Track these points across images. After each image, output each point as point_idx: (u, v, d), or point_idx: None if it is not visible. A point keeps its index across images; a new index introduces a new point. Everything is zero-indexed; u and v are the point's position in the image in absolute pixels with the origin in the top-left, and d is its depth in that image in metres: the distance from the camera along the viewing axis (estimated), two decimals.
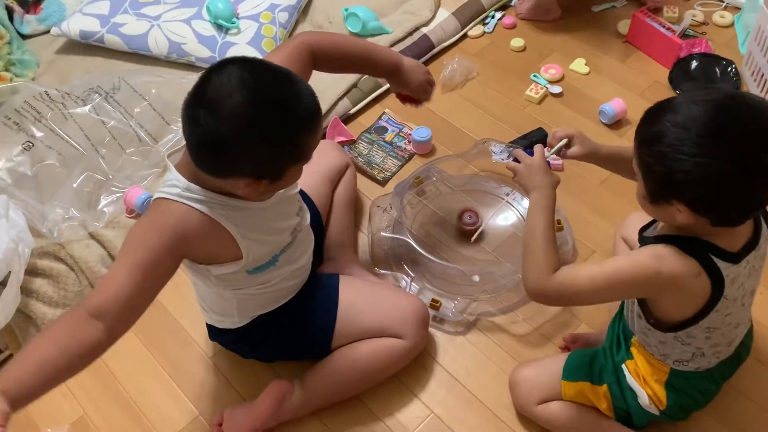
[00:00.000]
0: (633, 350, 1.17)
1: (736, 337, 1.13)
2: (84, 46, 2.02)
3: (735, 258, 0.99)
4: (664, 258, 0.98)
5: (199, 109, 0.94)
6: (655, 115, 0.95)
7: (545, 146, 1.72)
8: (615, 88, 1.89)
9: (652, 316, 1.08)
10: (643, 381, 1.15)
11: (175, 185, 1.04)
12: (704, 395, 1.18)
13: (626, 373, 1.18)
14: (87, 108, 1.71)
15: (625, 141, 1.77)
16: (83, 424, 1.39)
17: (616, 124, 1.81)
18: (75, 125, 1.68)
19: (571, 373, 1.22)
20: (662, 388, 1.14)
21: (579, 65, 1.96)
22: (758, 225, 1.03)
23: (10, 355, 1.47)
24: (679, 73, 1.90)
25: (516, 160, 1.26)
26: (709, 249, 0.98)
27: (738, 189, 0.90)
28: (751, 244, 1.00)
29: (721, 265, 0.98)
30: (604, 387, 1.19)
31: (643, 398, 1.15)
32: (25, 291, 1.48)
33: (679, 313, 1.04)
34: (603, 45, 2.02)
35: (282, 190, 1.15)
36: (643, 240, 1.07)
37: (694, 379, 1.14)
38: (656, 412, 1.16)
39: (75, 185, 1.64)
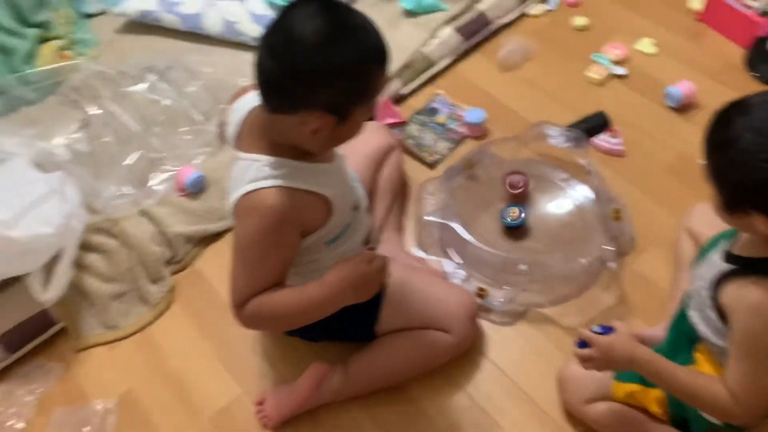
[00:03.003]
0: (698, 355, 1.09)
1: None
2: (142, 25, 2.05)
3: None
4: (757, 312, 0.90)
5: (278, 36, 0.98)
6: (726, 117, 0.89)
7: (605, 131, 1.65)
8: (684, 70, 1.78)
9: None
10: None
11: (261, 169, 1.06)
12: None
13: None
14: (142, 87, 1.73)
15: (691, 126, 1.66)
16: (129, 397, 1.41)
17: (683, 107, 1.70)
18: (130, 104, 1.71)
19: (622, 373, 1.15)
20: None
21: (645, 45, 1.85)
22: None
23: (65, 327, 1.51)
24: (756, 54, 1.77)
25: (583, 344, 1.07)
26: None
27: None
28: None
29: None
30: (658, 391, 1.12)
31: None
32: (79, 265, 1.52)
33: None
34: (672, 23, 1.90)
35: (341, 152, 1.19)
36: (729, 258, 0.99)
37: None
38: (719, 423, 1.08)
39: (129, 163, 1.66)
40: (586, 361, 1.06)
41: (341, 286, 1.05)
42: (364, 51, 0.99)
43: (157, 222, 1.60)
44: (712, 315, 1.01)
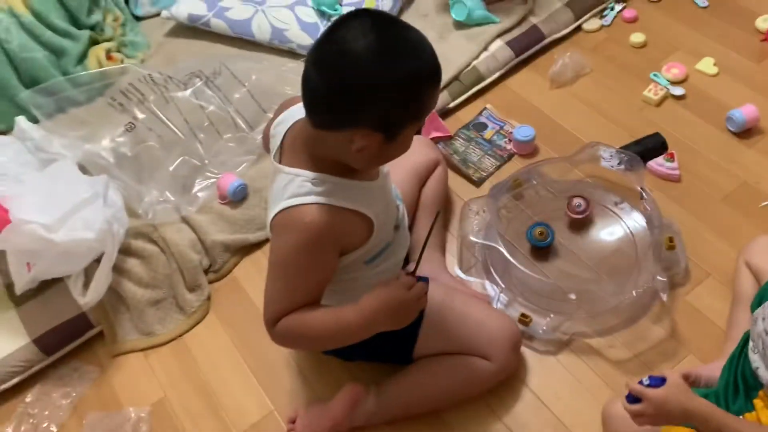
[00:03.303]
0: (757, 402, 1.02)
1: None
2: (191, 29, 2.05)
3: None
4: None
5: (328, 50, 0.95)
6: None
7: (661, 154, 1.57)
8: (747, 93, 1.69)
9: None
10: None
11: (302, 184, 1.03)
12: None
13: None
14: (188, 92, 1.73)
15: (754, 153, 1.58)
16: (162, 406, 1.40)
17: (745, 132, 1.61)
18: (175, 109, 1.70)
19: None
20: None
21: (706, 65, 1.77)
22: None
23: (101, 331, 1.51)
24: None
25: (633, 399, 0.99)
26: None
27: None
28: None
29: None
30: None
31: None
32: (118, 270, 1.52)
33: None
34: (736, 43, 1.81)
35: (386, 169, 1.15)
36: None
37: None
38: None
39: (171, 168, 1.66)
40: (638, 417, 0.99)
41: (378, 312, 1.02)
42: (417, 69, 0.95)
43: (197, 229, 1.60)
44: None
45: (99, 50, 1.93)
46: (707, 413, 0.95)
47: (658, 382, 0.97)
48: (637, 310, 1.36)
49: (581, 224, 1.47)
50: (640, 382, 0.99)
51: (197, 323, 1.52)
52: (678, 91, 1.72)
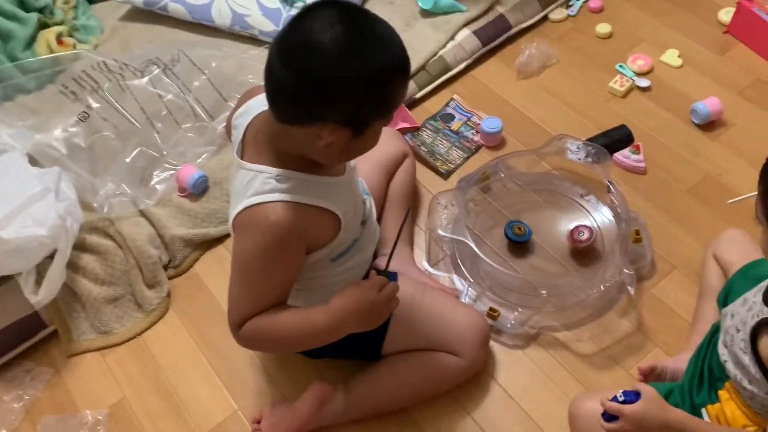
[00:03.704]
0: (722, 394, 1.03)
1: None
2: (147, 13, 1.97)
3: None
4: None
5: (294, 42, 0.90)
6: None
7: (627, 146, 1.58)
8: (711, 85, 1.71)
9: None
10: None
11: (266, 181, 0.99)
12: None
13: (706, 418, 1.04)
14: (144, 80, 1.65)
15: (717, 145, 1.59)
16: (121, 407, 1.35)
17: (709, 125, 1.63)
18: (131, 97, 1.63)
19: None
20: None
21: (671, 57, 1.78)
22: None
23: (55, 331, 1.45)
24: None
25: (609, 417, 0.98)
26: None
27: None
28: None
29: None
30: None
31: None
32: (73, 266, 1.45)
33: None
34: (700, 35, 1.82)
35: (352, 163, 1.12)
36: None
37: None
38: None
39: (128, 160, 1.59)
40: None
41: (347, 313, 0.99)
42: (386, 63, 0.92)
43: (155, 223, 1.54)
44: (746, 359, 0.95)
45: (49, 34, 1.84)
46: (684, 422, 0.95)
47: (633, 397, 0.97)
48: (604, 304, 1.36)
49: (586, 253, 1.41)
50: (614, 398, 0.98)
51: (157, 321, 1.46)
52: (643, 82, 1.73)
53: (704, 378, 1.07)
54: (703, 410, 1.04)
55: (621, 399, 0.97)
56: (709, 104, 1.61)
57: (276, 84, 0.93)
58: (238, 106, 1.15)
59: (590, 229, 1.42)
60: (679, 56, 1.77)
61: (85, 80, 1.65)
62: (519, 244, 1.46)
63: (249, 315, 1.02)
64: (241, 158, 1.05)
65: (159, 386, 1.38)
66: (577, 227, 1.43)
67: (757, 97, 1.67)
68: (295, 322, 1.02)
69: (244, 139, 1.07)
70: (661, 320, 1.35)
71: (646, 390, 0.97)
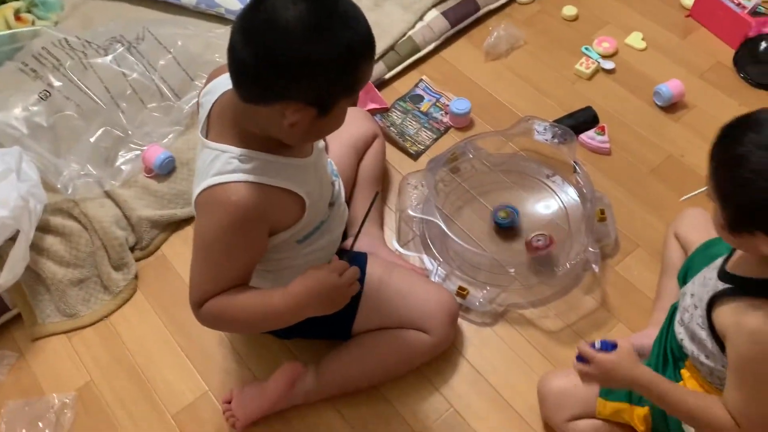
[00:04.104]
0: (684, 372, 1.06)
1: None
2: None
3: None
4: (760, 339, 0.87)
5: (257, 20, 0.89)
6: (734, 133, 0.85)
7: (592, 127, 1.60)
8: (673, 68, 1.74)
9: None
10: None
11: (229, 161, 0.98)
12: None
13: None
14: (108, 58, 1.62)
15: (679, 127, 1.63)
16: (89, 390, 1.34)
17: (671, 107, 1.66)
18: (95, 76, 1.59)
19: (609, 390, 1.12)
20: None
21: (635, 40, 1.81)
22: None
23: (19, 314, 1.42)
24: (745, 54, 1.74)
25: (581, 359, 1.02)
26: None
27: None
28: None
29: None
30: (645, 409, 1.09)
31: (690, 428, 1.05)
32: (37, 248, 1.43)
33: None
34: (663, 18, 1.86)
35: (321, 143, 1.11)
36: (724, 276, 0.96)
37: None
38: None
39: (92, 140, 1.56)
40: (584, 376, 1.02)
41: (306, 297, 0.99)
42: (350, 42, 0.91)
43: (121, 204, 1.51)
44: (703, 334, 0.98)
45: (6, 10, 1.79)
46: (650, 381, 0.98)
47: (609, 347, 1.00)
48: (569, 281, 1.39)
49: (543, 259, 1.39)
50: (592, 345, 1.01)
51: (124, 303, 1.45)
52: (608, 65, 1.75)
53: (668, 358, 1.10)
54: None
55: (597, 347, 1.00)
56: (671, 86, 1.65)
57: (239, 63, 0.92)
58: (206, 84, 1.13)
59: (547, 236, 1.39)
60: (643, 39, 1.80)
61: (46, 58, 1.60)
62: (506, 229, 1.46)
63: (209, 294, 1.01)
64: (206, 137, 1.04)
65: (127, 368, 1.37)
66: (534, 235, 1.39)
67: (717, 80, 1.71)
68: (254, 303, 1.02)
69: (209, 118, 1.06)
70: (624, 297, 1.39)
71: (624, 345, 1.00)
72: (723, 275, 0.96)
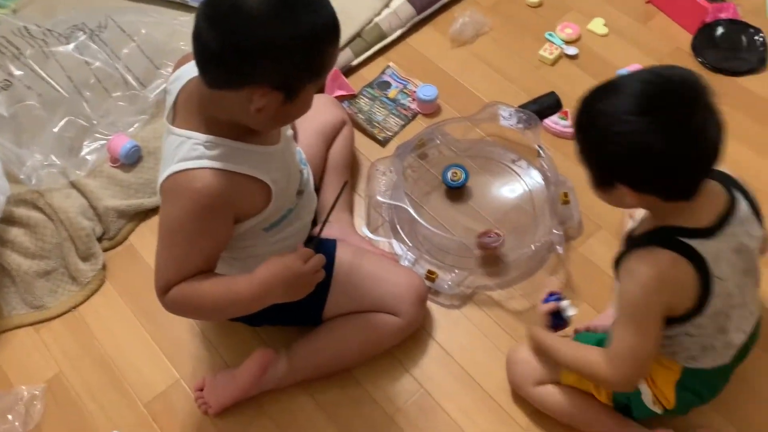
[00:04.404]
0: None
1: (745, 323, 1.07)
2: None
3: (707, 232, 0.95)
4: (636, 273, 0.97)
5: (222, 5, 0.90)
6: (587, 101, 0.95)
7: (556, 112, 1.63)
8: (634, 53, 1.78)
9: None
10: (651, 381, 1.10)
11: (194, 147, 0.99)
12: (714, 393, 1.12)
13: None
14: (70, 47, 1.60)
15: None
16: (58, 382, 1.34)
17: None
18: (57, 65, 1.57)
19: None
20: (672, 389, 1.09)
21: (597, 25, 1.84)
22: (733, 197, 0.99)
23: None
24: (703, 39, 1.79)
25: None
26: (673, 233, 0.95)
27: (665, 159, 0.88)
28: (726, 218, 0.96)
29: (693, 242, 0.94)
30: None
31: (647, 396, 1.10)
32: (1, 240, 1.41)
33: (682, 306, 0.99)
34: (624, 5, 1.89)
35: (289, 131, 1.13)
36: (627, 240, 1.05)
37: (709, 377, 1.09)
38: (659, 411, 1.11)
39: (56, 130, 1.54)
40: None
41: (271, 283, 0.99)
42: (314, 25, 0.92)
43: (87, 194, 1.50)
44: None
45: None
46: (545, 336, 1.17)
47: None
48: (535, 263, 1.42)
49: (493, 256, 1.42)
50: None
51: (93, 294, 1.44)
52: (571, 50, 1.78)
53: None
54: None
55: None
56: (632, 71, 1.68)
57: (204, 48, 0.92)
58: (173, 71, 1.13)
59: (498, 235, 1.40)
60: (605, 25, 1.84)
61: (6, 47, 1.58)
62: (456, 190, 1.49)
63: (174, 281, 1.01)
64: (172, 124, 1.04)
65: (97, 359, 1.36)
66: (483, 233, 1.41)
67: (676, 64, 1.75)
68: (219, 289, 1.02)
69: (176, 105, 1.06)
70: (588, 277, 1.42)
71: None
72: (625, 240, 1.04)
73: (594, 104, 0.93)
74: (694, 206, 0.95)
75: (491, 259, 1.42)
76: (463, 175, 1.48)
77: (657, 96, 0.89)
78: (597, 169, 0.97)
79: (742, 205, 0.99)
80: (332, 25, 0.95)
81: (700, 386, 1.09)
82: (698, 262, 0.94)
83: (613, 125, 0.89)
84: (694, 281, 0.95)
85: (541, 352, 1.18)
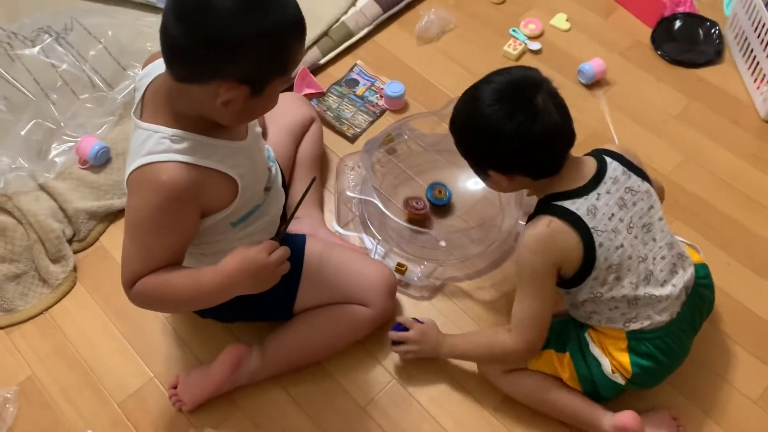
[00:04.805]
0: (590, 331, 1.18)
1: (662, 276, 1.12)
2: None
3: (577, 193, 1.07)
4: (523, 241, 1.10)
5: (189, 1, 0.91)
6: (457, 102, 1.13)
7: None
8: (595, 47, 1.82)
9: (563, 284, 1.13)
10: (607, 352, 1.14)
11: (160, 141, 0.99)
12: (670, 356, 1.15)
13: (589, 341, 1.17)
14: (36, 49, 1.60)
15: (601, 104, 1.71)
16: (31, 384, 1.33)
17: (595, 84, 1.74)
18: (22, 68, 1.57)
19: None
20: (625, 355, 1.13)
21: (560, 21, 1.88)
22: (602, 162, 1.11)
23: None
24: (661, 32, 1.84)
25: (401, 328, 1.28)
26: (549, 199, 1.09)
27: (517, 139, 1.03)
28: (596, 178, 1.09)
29: (565, 203, 1.06)
30: (567, 355, 1.18)
31: (606, 366, 1.15)
32: None
33: (572, 263, 1.08)
34: (585, 0, 1.94)
35: (257, 128, 1.16)
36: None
37: (656, 339, 1.13)
38: (622, 382, 1.15)
39: (23, 133, 1.54)
40: (402, 343, 1.27)
41: (236, 275, 1.01)
42: (281, 21, 0.94)
43: (56, 197, 1.50)
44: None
45: None
46: (453, 337, 1.26)
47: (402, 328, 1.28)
48: (502, 254, 1.45)
49: (422, 221, 1.49)
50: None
51: (64, 296, 1.44)
52: (535, 45, 1.82)
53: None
54: (586, 334, 1.18)
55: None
56: (594, 65, 1.72)
57: (171, 42, 0.94)
58: (142, 68, 1.14)
59: (422, 199, 1.48)
60: (567, 20, 1.88)
61: None
62: (440, 207, 1.51)
63: (140, 273, 1.02)
64: (140, 118, 1.05)
65: (70, 360, 1.36)
66: (409, 198, 1.48)
67: (636, 58, 1.80)
68: (185, 281, 1.03)
69: (143, 100, 1.07)
70: None
71: (431, 319, 1.30)
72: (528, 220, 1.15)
73: (458, 104, 1.12)
74: (564, 177, 1.09)
75: (419, 222, 1.48)
76: (447, 193, 1.50)
77: (504, 89, 1.05)
78: (469, 159, 1.14)
79: (614, 166, 1.11)
80: (297, 21, 0.97)
81: (651, 349, 1.13)
82: (573, 218, 1.06)
83: (472, 118, 1.08)
84: (574, 238, 1.06)
85: (461, 357, 1.29)
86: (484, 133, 1.06)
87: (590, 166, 1.11)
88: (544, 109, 1.03)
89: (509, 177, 1.09)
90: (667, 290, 1.12)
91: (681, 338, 1.16)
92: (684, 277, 1.15)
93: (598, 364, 1.15)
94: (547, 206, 1.09)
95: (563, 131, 1.06)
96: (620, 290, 1.10)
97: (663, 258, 1.13)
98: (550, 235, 1.07)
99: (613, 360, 1.14)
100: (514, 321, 1.14)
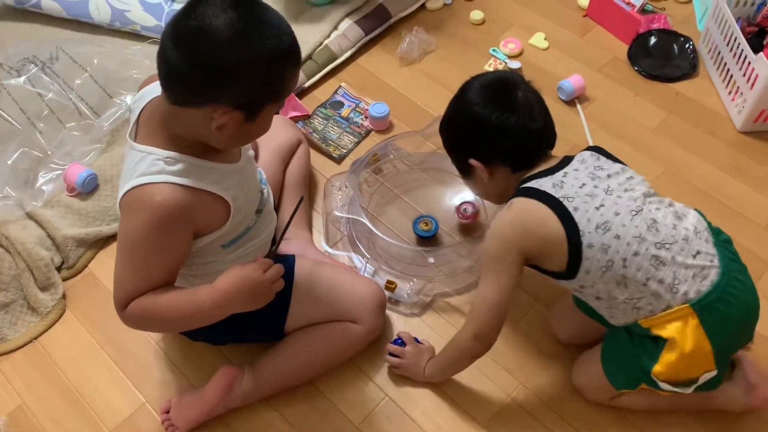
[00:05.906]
0: (650, 329, 1.08)
1: (669, 220, 1.05)
2: (20, 11, 1.90)
3: (545, 173, 1.12)
4: (495, 227, 1.13)
5: (187, 25, 0.93)
6: (449, 105, 1.23)
7: None
8: (574, 64, 1.87)
9: (576, 282, 1.11)
10: (687, 354, 1.04)
11: (154, 162, 1.01)
12: (735, 328, 1.07)
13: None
14: (22, 79, 1.61)
15: (581, 118, 1.75)
16: (21, 414, 1.32)
17: (574, 100, 1.78)
18: (8, 98, 1.58)
19: (623, 383, 1.18)
20: (703, 334, 1.03)
21: (538, 40, 1.93)
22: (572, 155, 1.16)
23: None
24: (637, 49, 1.89)
25: (393, 354, 1.32)
26: (520, 184, 1.13)
27: (500, 127, 1.12)
28: (566, 161, 1.14)
29: (530, 183, 1.10)
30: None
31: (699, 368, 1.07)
32: None
33: (560, 238, 1.06)
34: (562, 19, 1.99)
35: (250, 152, 1.18)
36: None
37: (715, 306, 1.04)
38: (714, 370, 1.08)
39: (10, 162, 1.54)
40: (396, 368, 1.31)
41: (232, 293, 1.02)
42: (277, 49, 0.96)
43: (44, 225, 1.50)
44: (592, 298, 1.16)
45: None
46: (430, 376, 1.30)
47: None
48: None
49: (471, 227, 1.52)
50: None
51: (53, 324, 1.44)
52: (515, 64, 1.86)
53: (631, 334, 1.15)
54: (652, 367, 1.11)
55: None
56: (573, 82, 1.76)
57: (169, 66, 0.96)
58: (138, 91, 1.16)
59: (473, 204, 1.51)
60: (545, 39, 1.92)
61: None
62: (427, 239, 1.52)
63: (133, 294, 1.03)
64: (134, 140, 1.06)
65: (61, 388, 1.36)
66: (462, 203, 1.52)
67: (614, 74, 1.85)
68: (180, 301, 1.04)
69: (138, 122, 1.09)
70: (542, 280, 1.46)
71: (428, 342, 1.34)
72: None
73: (450, 105, 1.23)
74: (537, 168, 1.14)
75: (470, 229, 1.52)
76: (434, 225, 1.51)
77: (489, 87, 1.17)
78: (453, 152, 1.23)
79: (582, 153, 1.16)
80: (293, 50, 0.99)
81: (719, 316, 1.04)
82: (538, 193, 1.08)
83: (460, 113, 1.19)
84: (543, 210, 1.07)
85: (439, 375, 1.30)
86: (469, 118, 1.16)
87: (560, 157, 1.17)
88: (525, 100, 1.15)
89: (490, 169, 1.15)
90: (681, 232, 1.05)
91: (742, 311, 1.07)
92: (693, 220, 1.08)
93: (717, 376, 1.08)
94: (514, 194, 1.13)
95: (542, 123, 1.15)
96: (628, 249, 1.02)
97: (658, 209, 1.07)
98: (510, 215, 1.11)
99: (695, 351, 1.03)
100: (472, 308, 1.18)
